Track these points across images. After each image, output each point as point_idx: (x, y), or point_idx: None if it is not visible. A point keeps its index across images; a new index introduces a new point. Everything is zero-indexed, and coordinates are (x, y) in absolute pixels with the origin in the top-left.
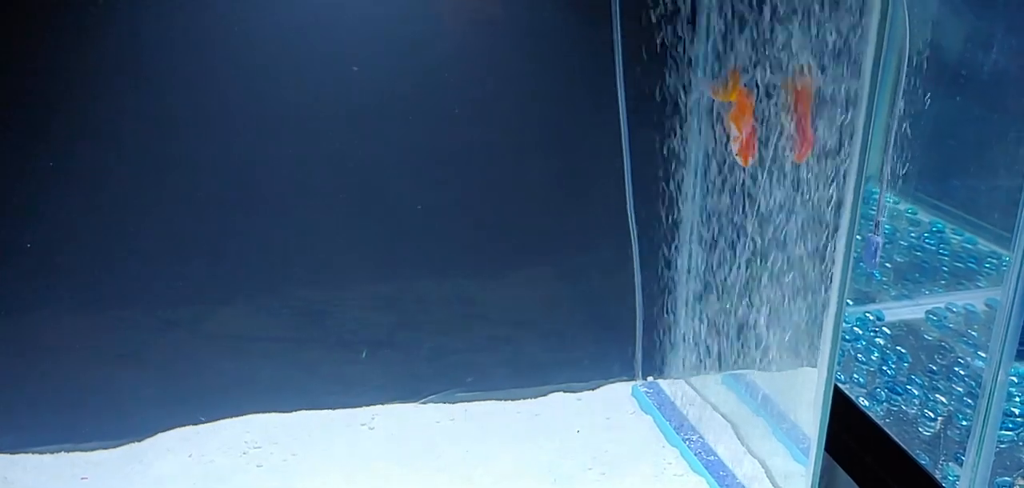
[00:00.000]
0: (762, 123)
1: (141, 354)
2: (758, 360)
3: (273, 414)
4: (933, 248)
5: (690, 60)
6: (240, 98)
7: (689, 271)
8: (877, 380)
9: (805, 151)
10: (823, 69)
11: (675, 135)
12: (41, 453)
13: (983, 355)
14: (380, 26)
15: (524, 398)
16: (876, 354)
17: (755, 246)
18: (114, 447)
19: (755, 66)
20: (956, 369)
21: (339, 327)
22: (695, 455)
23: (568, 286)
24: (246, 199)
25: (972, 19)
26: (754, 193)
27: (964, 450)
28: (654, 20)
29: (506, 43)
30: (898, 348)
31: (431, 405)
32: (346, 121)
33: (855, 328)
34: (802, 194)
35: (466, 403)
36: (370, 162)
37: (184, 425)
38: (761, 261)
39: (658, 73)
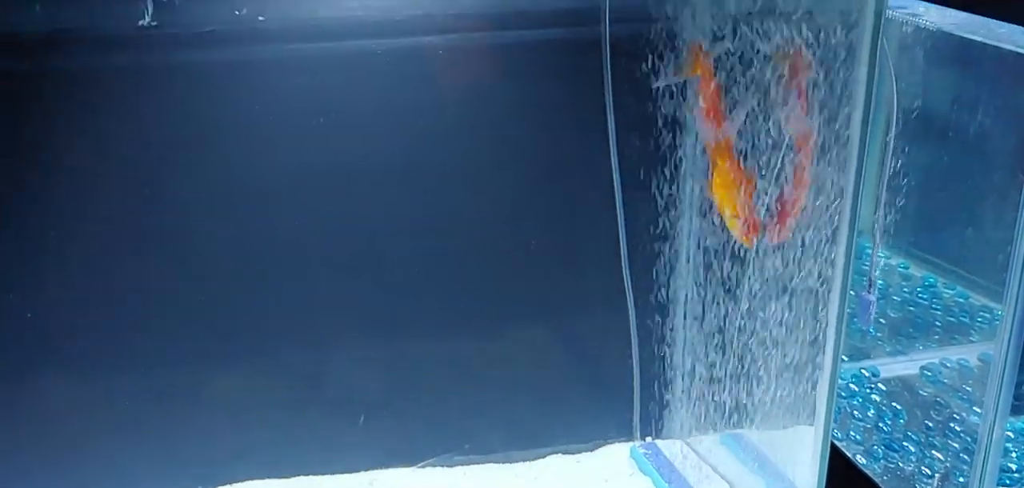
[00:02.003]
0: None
1: (138, 422)
2: (755, 419)
3: (271, 481)
4: (926, 303)
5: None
6: (234, 164)
7: (685, 330)
8: (874, 437)
9: (785, 228)
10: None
11: (670, 196)
12: None
13: (978, 410)
14: (374, 93)
15: (523, 460)
16: (872, 411)
17: (751, 304)
18: None
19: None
20: (952, 425)
21: (336, 392)
22: None
23: (564, 348)
24: (240, 266)
25: (959, 75)
26: (749, 253)
27: None
28: (646, 84)
29: (500, 108)
30: (894, 404)
31: (429, 469)
32: (341, 186)
33: (851, 385)
34: (798, 251)
35: (465, 467)
36: (365, 227)
37: None
38: (757, 319)
39: (651, 134)
